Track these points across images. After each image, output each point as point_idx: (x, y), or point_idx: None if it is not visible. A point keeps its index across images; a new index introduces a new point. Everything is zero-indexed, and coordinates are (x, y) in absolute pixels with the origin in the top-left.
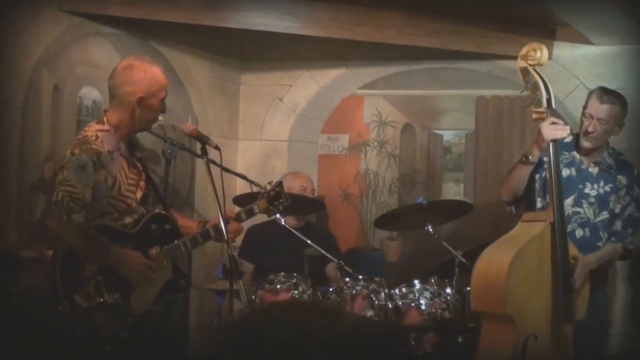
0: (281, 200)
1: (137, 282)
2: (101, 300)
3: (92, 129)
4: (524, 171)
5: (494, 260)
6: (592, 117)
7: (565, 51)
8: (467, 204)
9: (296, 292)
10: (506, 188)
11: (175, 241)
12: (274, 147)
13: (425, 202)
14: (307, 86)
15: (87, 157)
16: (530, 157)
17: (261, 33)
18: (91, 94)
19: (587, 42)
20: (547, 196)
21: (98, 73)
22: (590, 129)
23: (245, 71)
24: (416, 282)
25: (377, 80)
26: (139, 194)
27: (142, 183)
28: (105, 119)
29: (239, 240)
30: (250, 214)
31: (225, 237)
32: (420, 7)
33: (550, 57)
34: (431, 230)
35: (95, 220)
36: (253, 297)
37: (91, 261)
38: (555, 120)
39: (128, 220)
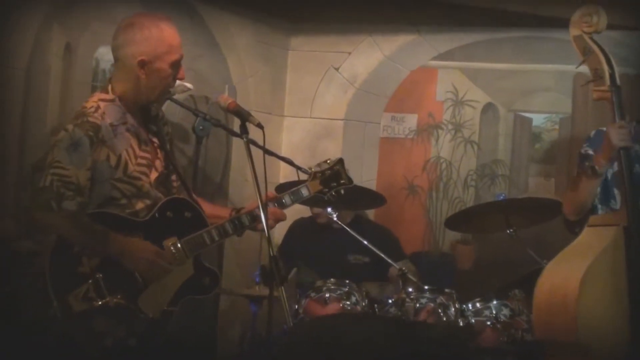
0: (342, 182)
1: (148, 277)
2: (101, 302)
3: (94, 99)
4: (593, 185)
5: (561, 276)
6: None
7: None
8: (559, 204)
9: (348, 302)
10: (573, 206)
11: (198, 231)
12: (326, 127)
13: (507, 199)
14: (369, 54)
15: (81, 133)
16: (597, 168)
17: None
18: (109, 55)
19: None
20: (612, 201)
21: None
22: None
23: (294, 34)
24: (493, 296)
25: (453, 50)
26: (153, 175)
27: (157, 162)
28: (109, 87)
29: (279, 234)
30: (297, 197)
31: (266, 232)
32: None
33: None
34: (513, 234)
35: (98, 207)
36: (296, 307)
37: (89, 255)
38: (623, 124)
39: (140, 206)
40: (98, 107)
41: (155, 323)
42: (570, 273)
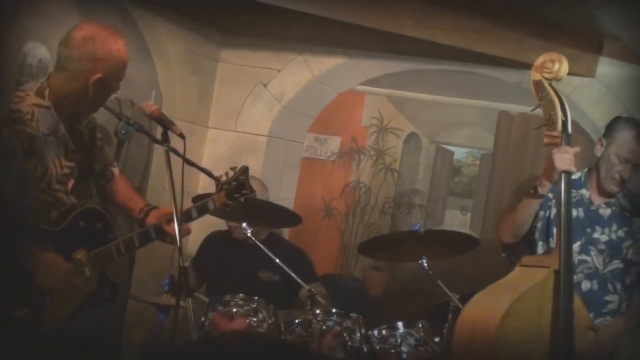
0: (244, 192)
1: (57, 293)
2: (5, 313)
3: (29, 103)
4: (532, 206)
5: (484, 309)
6: (627, 161)
7: (612, 69)
8: (473, 239)
9: (255, 319)
10: (509, 227)
11: (107, 244)
12: (249, 142)
13: (423, 230)
14: (297, 73)
15: (17, 144)
16: (539, 189)
17: (250, 2)
18: (38, 51)
19: (639, 61)
20: (551, 239)
21: (50, 28)
22: (626, 176)
23: (225, 46)
24: (400, 324)
25: (382, 77)
26: (71, 183)
27: (77, 170)
28: (47, 91)
29: (193, 244)
30: (203, 211)
31: (178, 243)
32: None
33: (592, 74)
34: (425, 264)
35: (16, 215)
36: (203, 319)
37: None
38: (568, 149)
39: (54, 214)
40: (33, 114)
41: (52, 336)
42: (494, 306)
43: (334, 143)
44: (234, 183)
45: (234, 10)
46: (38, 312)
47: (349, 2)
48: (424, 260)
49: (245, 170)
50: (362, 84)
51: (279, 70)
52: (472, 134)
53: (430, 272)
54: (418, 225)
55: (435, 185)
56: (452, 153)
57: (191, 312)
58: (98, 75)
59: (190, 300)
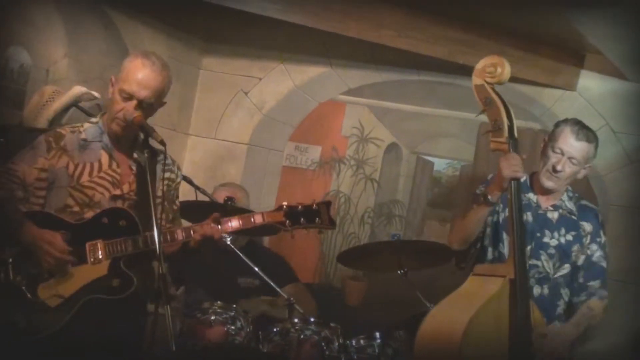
0: (317, 221)
1: (47, 265)
2: (4, 281)
3: (84, 122)
4: (482, 213)
5: (445, 323)
6: (562, 153)
7: (593, 83)
8: (451, 250)
9: (232, 327)
10: (459, 233)
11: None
12: (229, 150)
13: (402, 240)
14: (279, 82)
15: (42, 138)
16: (490, 197)
17: (233, 10)
18: (19, 55)
19: (620, 75)
20: (500, 244)
21: (32, 33)
22: (559, 167)
23: (207, 54)
24: (378, 335)
25: (364, 87)
26: (115, 192)
27: (126, 186)
28: (100, 114)
29: None
30: (245, 223)
31: (158, 250)
32: (426, 7)
33: (573, 88)
34: (404, 275)
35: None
36: (181, 326)
37: (10, 243)
38: (514, 156)
39: (89, 215)
40: (81, 126)
41: (49, 312)
42: (454, 320)
43: (315, 152)
44: (300, 208)
45: (216, 18)
46: (33, 285)
47: (331, 11)
48: (403, 271)
49: (327, 203)
50: (344, 93)
51: (260, 79)
52: (453, 145)
53: (409, 282)
54: (398, 235)
55: (415, 195)
56: (432, 164)
57: (169, 320)
58: (112, 75)
59: (168, 307)
